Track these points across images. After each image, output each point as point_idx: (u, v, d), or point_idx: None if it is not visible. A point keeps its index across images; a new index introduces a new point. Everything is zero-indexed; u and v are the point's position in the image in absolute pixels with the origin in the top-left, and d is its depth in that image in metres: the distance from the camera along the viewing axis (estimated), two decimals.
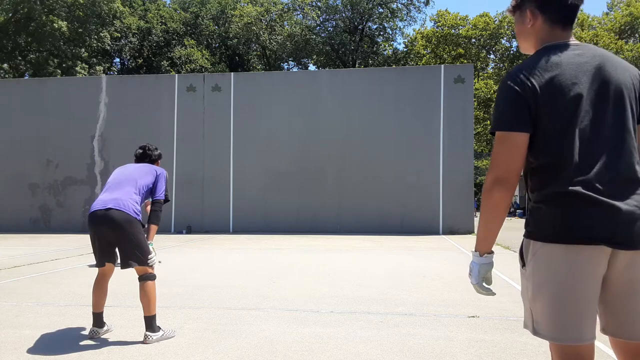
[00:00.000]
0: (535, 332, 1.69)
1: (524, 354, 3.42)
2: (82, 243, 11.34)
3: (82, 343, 3.68)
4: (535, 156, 1.67)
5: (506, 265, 7.74)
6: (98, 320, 3.81)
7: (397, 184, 14.30)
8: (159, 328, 3.74)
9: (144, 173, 3.91)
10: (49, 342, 3.69)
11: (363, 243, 11.31)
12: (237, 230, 14.79)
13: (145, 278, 3.71)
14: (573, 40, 1.73)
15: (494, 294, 1.84)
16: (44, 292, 5.61)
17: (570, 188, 1.60)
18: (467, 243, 11.30)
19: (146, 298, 3.67)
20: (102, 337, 3.82)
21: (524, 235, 1.76)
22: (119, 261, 3.77)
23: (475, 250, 1.82)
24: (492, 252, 1.80)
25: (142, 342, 3.62)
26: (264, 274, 6.91)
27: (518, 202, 28.46)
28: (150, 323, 3.67)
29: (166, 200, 3.97)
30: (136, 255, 3.67)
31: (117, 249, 3.75)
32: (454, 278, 6.52)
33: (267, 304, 4.97)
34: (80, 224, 15.27)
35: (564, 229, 1.60)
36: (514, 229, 16.38)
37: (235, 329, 4.05)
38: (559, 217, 1.61)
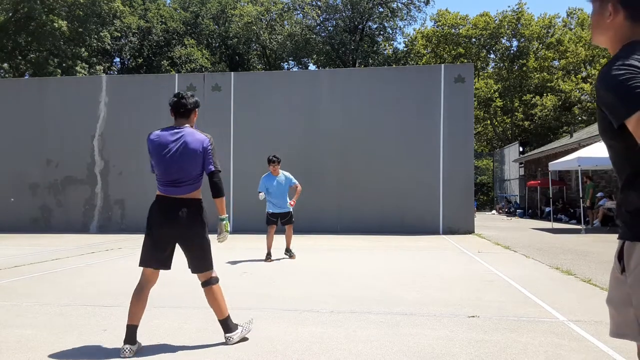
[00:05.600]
0: None
1: (524, 354, 3.42)
2: (82, 243, 11.34)
3: (82, 343, 3.68)
4: None
5: (506, 265, 7.74)
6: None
7: (397, 184, 14.28)
8: (237, 326, 3.75)
9: (194, 158, 3.65)
10: (49, 342, 3.69)
11: (363, 243, 11.30)
12: (236, 230, 14.79)
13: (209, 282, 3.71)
14: None
15: None
16: (44, 292, 5.61)
17: None
18: (467, 243, 11.29)
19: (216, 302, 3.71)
20: (101, 337, 3.82)
21: (629, 238, 1.60)
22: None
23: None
24: None
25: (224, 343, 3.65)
26: (263, 274, 6.91)
27: (518, 201, 28.43)
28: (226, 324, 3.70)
29: (217, 171, 3.72)
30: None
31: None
32: (454, 278, 6.52)
33: (267, 303, 4.97)
34: (80, 223, 15.27)
35: None
36: (515, 228, 16.41)
37: None
38: None
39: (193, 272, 3.69)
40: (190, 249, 3.62)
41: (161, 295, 5.40)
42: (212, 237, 3.75)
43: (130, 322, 3.50)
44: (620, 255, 1.60)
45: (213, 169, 3.69)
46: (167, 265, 3.63)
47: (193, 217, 3.62)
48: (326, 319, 4.35)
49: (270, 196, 8.45)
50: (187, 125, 3.73)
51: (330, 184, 14.68)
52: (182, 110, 3.71)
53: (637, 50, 1.57)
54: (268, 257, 8.29)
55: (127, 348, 3.42)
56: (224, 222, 3.74)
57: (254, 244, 11.30)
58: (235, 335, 3.66)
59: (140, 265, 3.61)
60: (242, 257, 8.91)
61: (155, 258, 3.57)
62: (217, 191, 3.71)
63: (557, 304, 4.87)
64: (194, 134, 3.67)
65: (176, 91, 4.27)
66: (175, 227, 3.55)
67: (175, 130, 3.67)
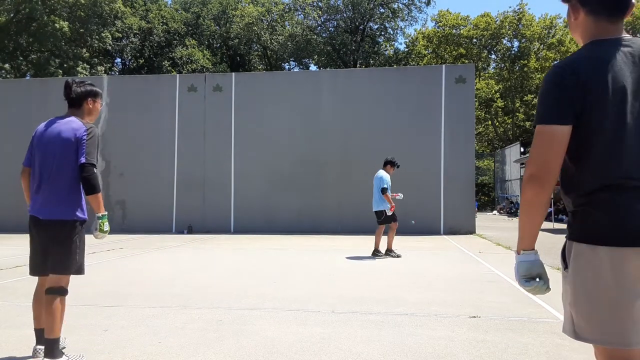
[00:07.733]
0: (577, 336, 1.63)
1: (525, 355, 3.42)
2: None
3: (84, 342, 3.68)
4: (578, 154, 1.62)
5: (507, 265, 7.73)
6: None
7: (398, 184, 14.26)
8: (62, 354, 3.14)
9: (64, 148, 3.23)
10: None
11: (364, 243, 11.30)
12: (238, 230, 14.79)
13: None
14: (625, 35, 1.67)
15: (542, 291, 1.69)
16: None
17: (615, 185, 1.56)
18: (468, 243, 11.29)
19: (51, 316, 3.10)
20: (102, 337, 3.82)
21: (567, 237, 1.69)
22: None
23: (515, 249, 1.72)
24: (532, 250, 1.68)
25: None
26: (265, 274, 6.91)
27: (519, 202, 28.39)
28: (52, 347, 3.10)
29: (89, 164, 3.19)
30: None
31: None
32: (455, 278, 6.52)
33: (268, 304, 4.97)
34: None
35: (611, 229, 1.54)
36: (516, 229, 16.38)
37: (236, 329, 4.05)
38: (604, 218, 1.55)
39: (49, 272, 3.20)
40: (55, 246, 3.20)
41: (163, 295, 5.41)
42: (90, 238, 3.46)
43: (37, 326, 3.27)
44: (563, 254, 1.71)
45: (84, 160, 3.17)
46: (45, 271, 3.23)
47: (65, 237, 3.20)
48: (327, 319, 4.34)
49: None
50: (75, 115, 3.34)
51: (332, 184, 14.68)
52: (68, 99, 3.38)
53: (587, 52, 1.65)
54: (392, 253, 8.98)
55: (38, 348, 3.24)
56: (101, 220, 3.29)
57: (255, 244, 11.30)
58: None
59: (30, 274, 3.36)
60: (243, 257, 8.91)
61: (33, 264, 3.30)
62: (89, 188, 3.20)
63: (558, 304, 4.86)
64: (69, 123, 3.26)
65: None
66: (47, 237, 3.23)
67: (58, 120, 3.34)
